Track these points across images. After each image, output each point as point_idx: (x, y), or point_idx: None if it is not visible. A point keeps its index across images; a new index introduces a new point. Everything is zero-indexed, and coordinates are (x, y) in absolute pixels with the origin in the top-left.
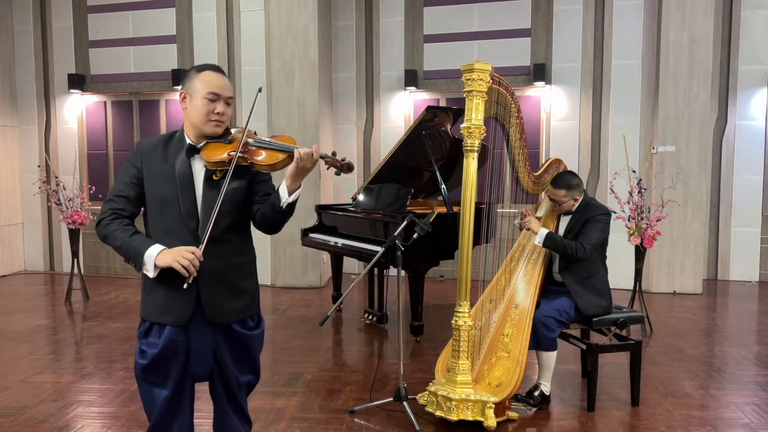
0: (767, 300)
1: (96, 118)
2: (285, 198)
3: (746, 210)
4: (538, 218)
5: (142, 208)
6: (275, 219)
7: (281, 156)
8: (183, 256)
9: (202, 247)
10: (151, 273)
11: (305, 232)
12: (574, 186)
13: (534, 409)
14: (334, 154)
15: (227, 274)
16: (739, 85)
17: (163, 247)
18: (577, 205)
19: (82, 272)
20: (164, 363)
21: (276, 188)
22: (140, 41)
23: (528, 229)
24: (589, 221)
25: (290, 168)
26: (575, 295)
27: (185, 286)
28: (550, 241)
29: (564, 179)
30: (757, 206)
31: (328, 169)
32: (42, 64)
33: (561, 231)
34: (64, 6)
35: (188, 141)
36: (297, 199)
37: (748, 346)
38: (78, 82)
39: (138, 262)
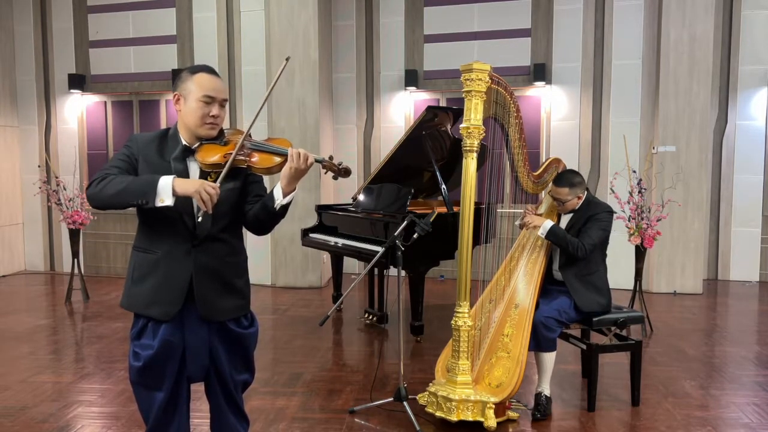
0: (767, 300)
1: (96, 118)
2: (279, 200)
3: (746, 210)
4: (539, 215)
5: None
6: (267, 220)
7: (277, 159)
8: (205, 190)
9: (219, 181)
10: (168, 200)
11: (305, 232)
12: (577, 184)
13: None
14: (331, 158)
15: (221, 272)
16: (739, 85)
17: (174, 176)
18: (580, 203)
19: (83, 272)
20: (159, 365)
21: (270, 190)
22: (140, 41)
23: (531, 227)
24: (591, 220)
25: (284, 170)
26: (573, 291)
27: (199, 219)
28: (552, 234)
29: (566, 177)
30: (757, 206)
31: (325, 173)
32: (42, 64)
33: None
34: (64, 6)
35: (183, 142)
36: (291, 201)
37: (748, 346)
38: (78, 82)
39: (151, 194)
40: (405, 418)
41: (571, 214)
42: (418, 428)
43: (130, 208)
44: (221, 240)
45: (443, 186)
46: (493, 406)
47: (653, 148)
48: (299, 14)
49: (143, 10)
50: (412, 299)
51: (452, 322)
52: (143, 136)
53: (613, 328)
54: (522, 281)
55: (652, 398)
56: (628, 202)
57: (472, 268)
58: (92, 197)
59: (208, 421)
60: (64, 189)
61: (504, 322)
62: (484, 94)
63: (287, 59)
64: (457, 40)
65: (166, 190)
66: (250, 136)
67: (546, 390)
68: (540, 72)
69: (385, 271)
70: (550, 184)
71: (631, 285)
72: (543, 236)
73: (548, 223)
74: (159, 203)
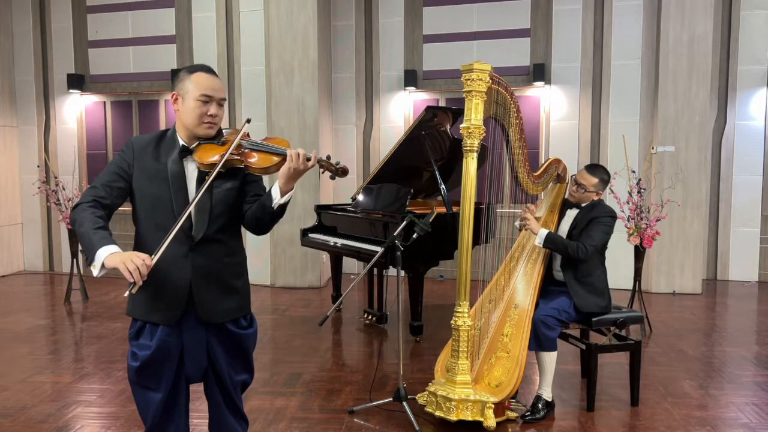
0: (767, 300)
1: (95, 118)
2: (277, 199)
3: (746, 210)
4: (538, 218)
5: (130, 206)
6: (265, 220)
7: (275, 159)
8: (132, 260)
9: (155, 258)
10: (96, 272)
11: (305, 232)
12: (604, 182)
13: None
14: (328, 158)
15: (219, 273)
16: (738, 85)
17: (118, 249)
18: (592, 201)
19: (82, 272)
20: (157, 365)
21: (268, 189)
22: (140, 41)
23: (527, 229)
24: (593, 222)
25: (282, 170)
26: (574, 293)
27: (126, 294)
28: (549, 242)
29: (601, 170)
30: (757, 206)
31: (323, 173)
32: (41, 64)
33: (562, 227)
34: (64, 6)
35: (181, 142)
36: (289, 200)
37: (747, 346)
38: (77, 82)
39: (90, 257)
40: (404, 418)
41: (575, 214)
42: (417, 428)
43: (127, 208)
44: (219, 241)
45: (442, 186)
46: (493, 405)
47: (652, 148)
48: (298, 14)
49: (142, 10)
50: (411, 299)
51: (452, 321)
52: (140, 140)
53: (612, 328)
54: (522, 281)
55: (651, 398)
56: (628, 202)
57: (472, 268)
58: (71, 223)
59: (208, 421)
60: (63, 189)
61: (504, 322)
62: (484, 95)
63: (248, 120)
64: (456, 40)
65: (98, 261)
66: (248, 135)
67: (545, 394)
68: (539, 72)
69: (384, 271)
70: (581, 170)
71: (630, 285)
72: (540, 245)
73: (543, 232)
74: (91, 268)
